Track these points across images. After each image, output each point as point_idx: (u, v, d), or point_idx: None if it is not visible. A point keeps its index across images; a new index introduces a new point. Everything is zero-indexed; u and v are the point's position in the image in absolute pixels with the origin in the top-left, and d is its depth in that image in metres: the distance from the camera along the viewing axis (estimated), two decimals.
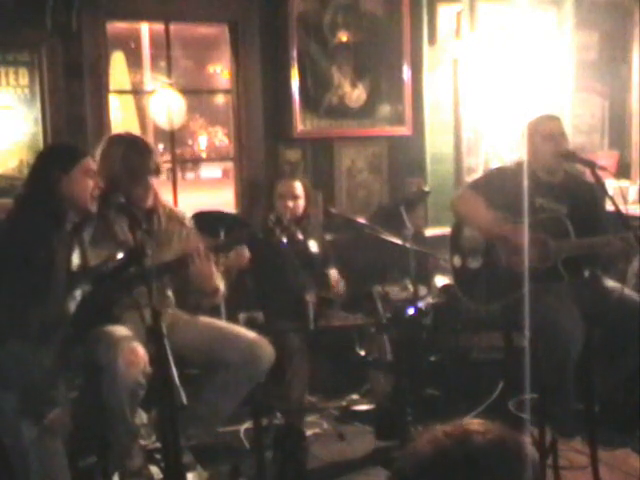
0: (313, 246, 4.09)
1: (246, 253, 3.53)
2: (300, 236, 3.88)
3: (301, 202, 4.04)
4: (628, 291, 3.50)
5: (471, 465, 1.18)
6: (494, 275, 3.45)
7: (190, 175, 15.24)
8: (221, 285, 3.28)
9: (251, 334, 3.21)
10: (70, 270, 2.90)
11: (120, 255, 2.92)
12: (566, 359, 3.20)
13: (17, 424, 2.66)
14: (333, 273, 4.14)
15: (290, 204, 3.98)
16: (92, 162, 2.98)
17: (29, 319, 2.74)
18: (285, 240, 3.67)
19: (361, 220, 4.24)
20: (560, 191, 3.51)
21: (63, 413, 2.71)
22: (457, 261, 3.61)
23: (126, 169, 3.12)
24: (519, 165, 3.55)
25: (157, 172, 3.20)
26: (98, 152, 3.18)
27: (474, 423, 1.23)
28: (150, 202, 3.21)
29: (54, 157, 3.00)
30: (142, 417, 3.25)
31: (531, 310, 3.16)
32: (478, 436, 1.20)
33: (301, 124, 4.53)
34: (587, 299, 3.38)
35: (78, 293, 2.86)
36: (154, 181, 3.20)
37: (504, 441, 1.20)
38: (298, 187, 4.03)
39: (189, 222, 3.41)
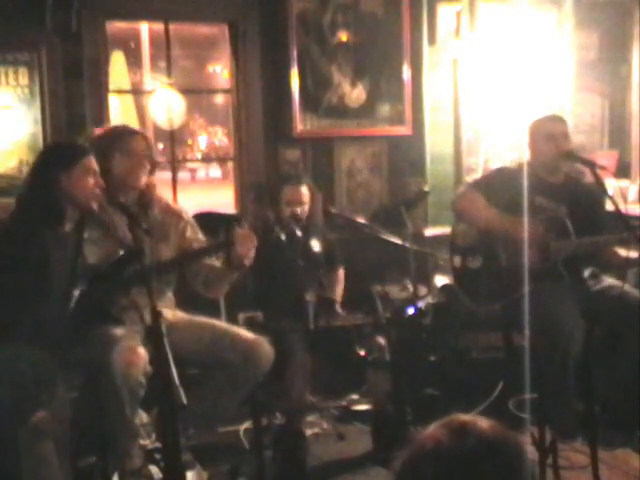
0: (315, 246, 4.07)
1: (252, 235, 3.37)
2: (299, 234, 3.86)
3: (307, 207, 3.99)
4: (628, 288, 3.49)
5: (470, 463, 1.17)
6: (494, 275, 3.45)
7: (188, 175, 15.25)
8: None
9: (250, 334, 3.21)
10: (75, 269, 2.89)
11: (119, 254, 2.91)
12: (566, 358, 3.20)
13: (6, 424, 2.64)
14: (339, 274, 4.14)
15: (298, 210, 3.89)
16: (93, 160, 2.95)
17: (22, 319, 2.72)
18: (284, 238, 3.67)
19: (361, 220, 4.23)
20: (560, 192, 3.51)
21: (54, 415, 2.68)
22: (457, 261, 3.61)
23: (126, 151, 3.14)
24: (520, 165, 3.57)
25: (154, 164, 3.23)
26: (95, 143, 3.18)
27: (473, 419, 1.23)
28: (143, 182, 3.19)
29: (55, 155, 2.97)
30: (142, 417, 3.25)
31: (531, 309, 3.16)
32: (477, 434, 1.19)
33: (301, 124, 4.53)
34: (587, 297, 3.38)
35: (77, 292, 2.85)
36: (152, 178, 3.21)
37: (504, 440, 1.20)
38: (305, 192, 3.95)
39: (186, 215, 3.39)
